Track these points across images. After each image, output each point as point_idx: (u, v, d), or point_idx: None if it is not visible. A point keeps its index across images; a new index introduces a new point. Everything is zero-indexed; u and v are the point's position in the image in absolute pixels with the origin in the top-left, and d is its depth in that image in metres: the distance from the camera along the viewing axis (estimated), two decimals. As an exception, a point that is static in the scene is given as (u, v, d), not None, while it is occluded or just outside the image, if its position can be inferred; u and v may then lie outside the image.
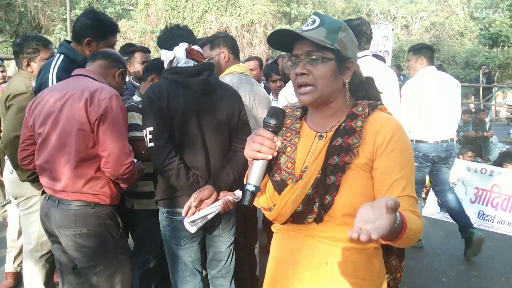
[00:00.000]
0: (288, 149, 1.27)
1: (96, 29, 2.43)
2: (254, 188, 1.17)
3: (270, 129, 1.19)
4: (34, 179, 2.64)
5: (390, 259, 1.35)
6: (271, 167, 1.27)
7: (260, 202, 1.31)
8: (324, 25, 1.20)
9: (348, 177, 1.17)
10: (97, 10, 2.74)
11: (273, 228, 1.38)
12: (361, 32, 2.76)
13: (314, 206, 1.18)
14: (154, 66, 2.58)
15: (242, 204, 1.20)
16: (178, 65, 2.09)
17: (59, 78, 2.25)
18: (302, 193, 1.19)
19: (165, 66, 2.16)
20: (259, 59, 4.44)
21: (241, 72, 2.74)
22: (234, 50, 2.74)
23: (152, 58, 3.23)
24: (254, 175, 1.18)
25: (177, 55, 2.09)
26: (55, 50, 2.70)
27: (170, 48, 2.12)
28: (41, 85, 2.32)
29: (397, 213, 1.01)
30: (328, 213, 1.18)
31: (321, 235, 1.22)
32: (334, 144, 1.18)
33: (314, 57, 1.18)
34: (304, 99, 1.22)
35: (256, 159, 1.17)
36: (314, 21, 1.21)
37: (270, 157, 1.16)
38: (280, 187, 1.23)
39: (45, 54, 2.81)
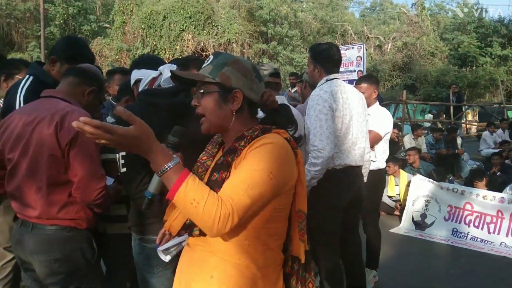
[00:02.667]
0: (200, 169, 1.43)
1: (68, 52, 2.38)
2: (150, 195, 1.31)
3: (170, 146, 1.32)
4: None
5: (291, 279, 1.38)
6: None
7: (166, 213, 1.45)
8: (213, 62, 1.37)
9: None
10: (80, 38, 2.74)
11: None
12: (328, 56, 2.84)
13: None
14: (128, 87, 2.56)
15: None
16: (161, 83, 2.08)
17: (26, 101, 2.19)
18: None
19: (143, 85, 2.13)
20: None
21: None
22: None
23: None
24: (151, 183, 1.32)
25: (164, 73, 2.09)
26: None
27: (154, 68, 2.12)
28: (8, 107, 2.26)
29: (170, 166, 1.17)
30: None
31: (212, 249, 1.31)
32: (217, 162, 1.32)
33: (200, 91, 1.36)
34: (202, 128, 1.39)
35: None
36: (208, 60, 1.39)
37: None
38: None
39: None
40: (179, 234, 1.35)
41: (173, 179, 1.17)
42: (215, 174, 1.29)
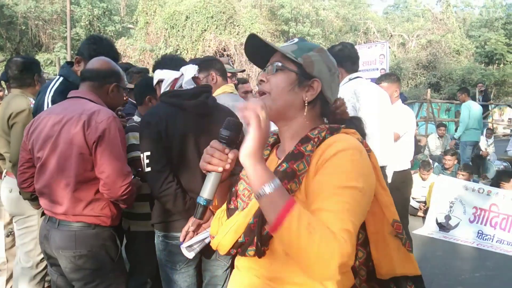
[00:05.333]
0: None
1: (91, 50, 2.42)
2: (205, 201, 1.09)
3: (223, 141, 1.11)
4: (35, 198, 2.66)
5: None
6: (231, 191, 1.20)
7: (211, 228, 1.24)
8: (298, 43, 1.19)
9: None
10: (104, 36, 2.78)
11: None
12: (345, 55, 2.80)
13: (255, 238, 1.06)
14: (146, 87, 2.59)
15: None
16: (183, 84, 2.11)
17: (54, 102, 2.26)
18: (244, 222, 1.08)
19: (165, 86, 2.17)
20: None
21: (231, 91, 2.81)
22: (221, 72, 2.83)
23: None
24: (205, 188, 1.10)
25: (185, 74, 2.12)
26: (54, 68, 2.79)
27: (176, 68, 2.16)
28: (38, 107, 2.34)
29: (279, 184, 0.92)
30: (269, 247, 1.06)
31: (267, 276, 1.09)
32: (279, 170, 1.07)
33: (275, 64, 1.15)
34: None
35: (208, 171, 1.10)
36: (292, 41, 1.22)
37: (220, 169, 1.08)
38: (232, 215, 1.16)
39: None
40: (228, 253, 1.15)
41: (282, 200, 0.92)
42: None
